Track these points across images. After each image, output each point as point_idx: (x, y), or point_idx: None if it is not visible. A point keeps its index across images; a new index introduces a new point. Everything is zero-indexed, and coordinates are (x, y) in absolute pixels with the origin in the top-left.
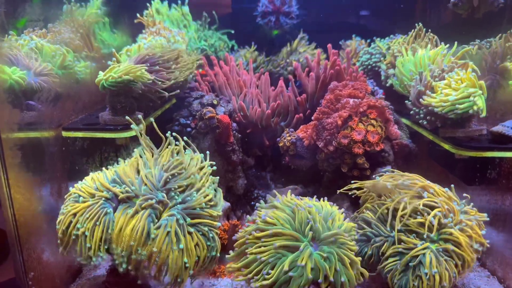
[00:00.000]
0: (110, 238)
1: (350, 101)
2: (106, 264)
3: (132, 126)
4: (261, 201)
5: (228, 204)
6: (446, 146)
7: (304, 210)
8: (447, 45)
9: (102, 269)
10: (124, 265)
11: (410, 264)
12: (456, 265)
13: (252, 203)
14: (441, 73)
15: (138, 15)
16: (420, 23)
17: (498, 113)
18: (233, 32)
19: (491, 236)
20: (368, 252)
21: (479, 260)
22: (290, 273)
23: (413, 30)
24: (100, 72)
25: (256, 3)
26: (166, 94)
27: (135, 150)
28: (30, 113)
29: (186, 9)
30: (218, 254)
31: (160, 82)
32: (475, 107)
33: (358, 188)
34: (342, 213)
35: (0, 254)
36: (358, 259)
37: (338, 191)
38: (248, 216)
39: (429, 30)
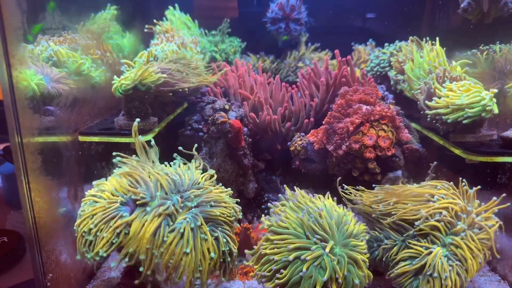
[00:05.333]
0: (125, 241)
1: (363, 108)
2: (120, 266)
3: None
4: (274, 202)
5: (239, 207)
6: (457, 151)
7: (315, 213)
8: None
9: (116, 271)
10: (141, 268)
11: (420, 268)
12: (467, 270)
13: (263, 206)
14: (447, 79)
15: (146, 26)
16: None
17: (509, 118)
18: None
19: (502, 241)
20: (377, 256)
21: (490, 265)
22: (300, 273)
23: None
24: (115, 77)
25: (263, 7)
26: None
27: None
28: (48, 118)
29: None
30: (234, 257)
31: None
32: (486, 112)
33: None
34: (354, 216)
35: (14, 256)
36: (366, 259)
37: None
38: (262, 218)
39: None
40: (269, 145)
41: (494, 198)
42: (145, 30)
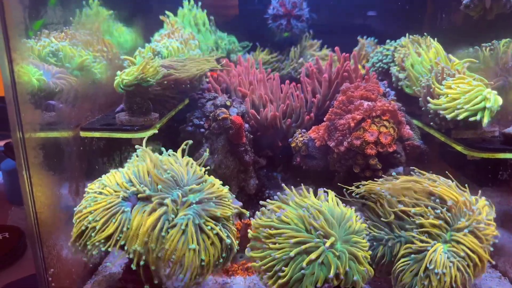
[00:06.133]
0: (126, 236)
1: (364, 104)
2: (122, 262)
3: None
4: (275, 197)
5: (240, 203)
6: (458, 148)
7: (314, 211)
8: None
9: (118, 267)
10: (141, 263)
11: (420, 264)
12: (468, 266)
13: None
14: (446, 75)
15: (163, 16)
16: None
17: (510, 115)
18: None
19: (503, 238)
20: (379, 253)
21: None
22: (303, 271)
23: (411, 36)
24: (118, 72)
25: (263, 5)
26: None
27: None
28: (50, 113)
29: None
30: (235, 251)
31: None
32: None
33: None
34: (356, 215)
35: (16, 251)
36: (367, 255)
37: (353, 187)
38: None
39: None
40: (270, 141)
41: (483, 198)
42: (165, 23)
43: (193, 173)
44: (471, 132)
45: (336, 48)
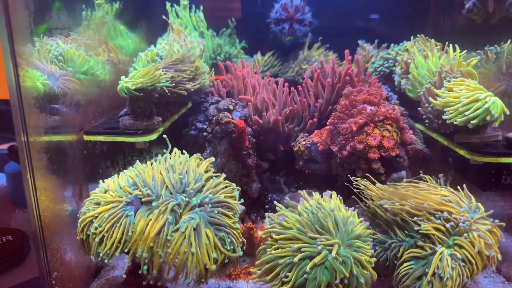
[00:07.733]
0: (130, 240)
1: (368, 108)
2: (125, 265)
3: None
4: (285, 199)
5: (243, 207)
6: (462, 152)
7: (318, 213)
8: (460, 52)
9: (120, 270)
10: (144, 267)
11: (424, 268)
12: (469, 269)
13: (266, 206)
14: (450, 78)
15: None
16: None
17: None
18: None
19: (507, 242)
20: (382, 257)
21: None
22: (305, 275)
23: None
24: (123, 77)
25: (266, 8)
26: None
27: (153, 154)
28: (54, 117)
29: (201, 15)
30: (240, 253)
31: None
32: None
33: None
34: (360, 220)
35: (19, 254)
36: (372, 261)
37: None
38: (264, 220)
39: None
40: (272, 145)
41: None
42: (169, 28)
43: (199, 175)
44: (475, 137)
45: (346, 51)
